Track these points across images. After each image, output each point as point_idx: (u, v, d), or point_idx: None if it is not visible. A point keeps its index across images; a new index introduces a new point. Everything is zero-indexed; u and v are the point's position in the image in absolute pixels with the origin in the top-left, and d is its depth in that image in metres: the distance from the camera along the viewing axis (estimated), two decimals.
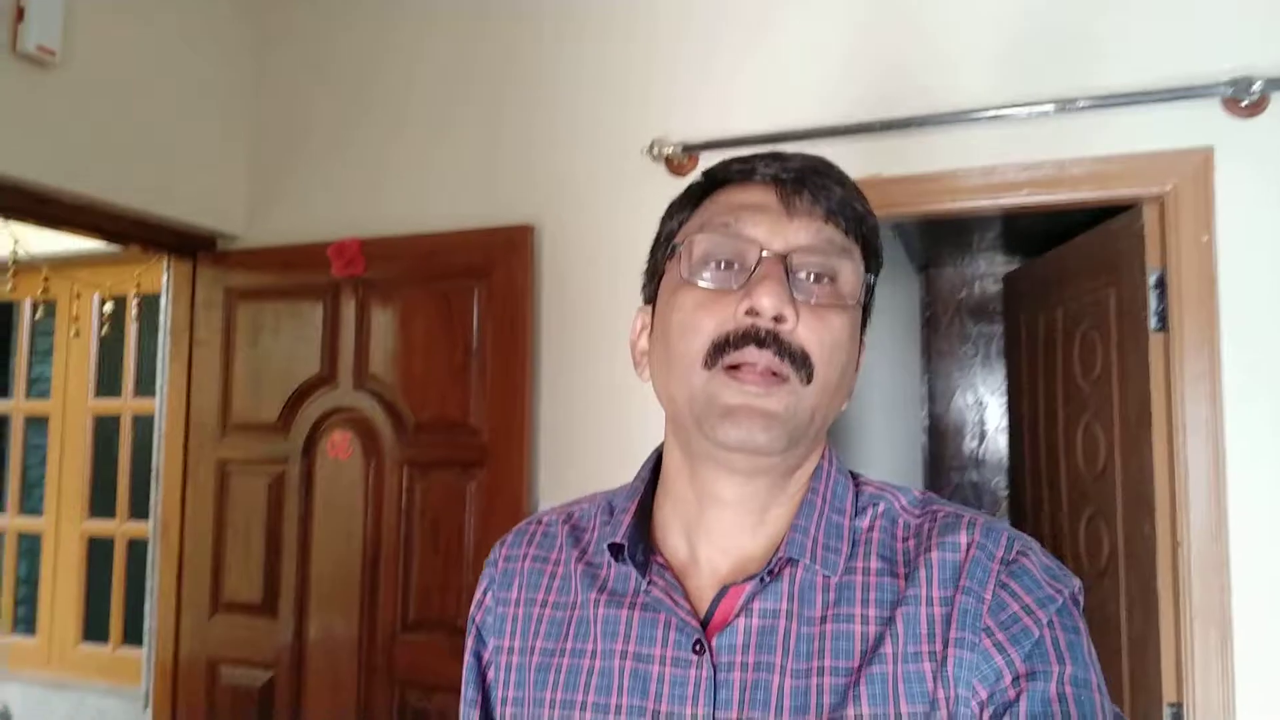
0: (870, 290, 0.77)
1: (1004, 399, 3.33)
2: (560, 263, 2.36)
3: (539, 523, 0.87)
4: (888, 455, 3.42)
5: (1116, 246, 2.12)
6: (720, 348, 0.69)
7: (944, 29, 2.07)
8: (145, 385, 3.20)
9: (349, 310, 2.46)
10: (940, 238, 3.13)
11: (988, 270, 3.48)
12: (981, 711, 0.64)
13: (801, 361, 0.68)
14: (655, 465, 0.84)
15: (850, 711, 0.65)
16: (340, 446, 2.43)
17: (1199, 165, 1.87)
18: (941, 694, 0.65)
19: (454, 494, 2.31)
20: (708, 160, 2.21)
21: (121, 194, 2.35)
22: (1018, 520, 2.86)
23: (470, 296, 2.32)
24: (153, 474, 2.72)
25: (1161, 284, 1.93)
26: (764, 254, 0.70)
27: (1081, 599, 0.69)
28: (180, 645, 2.58)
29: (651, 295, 0.81)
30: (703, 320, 0.70)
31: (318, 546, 2.45)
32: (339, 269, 2.46)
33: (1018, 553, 0.69)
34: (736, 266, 0.71)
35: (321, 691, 2.39)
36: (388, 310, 2.43)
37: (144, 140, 2.40)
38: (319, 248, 2.49)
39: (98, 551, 3.29)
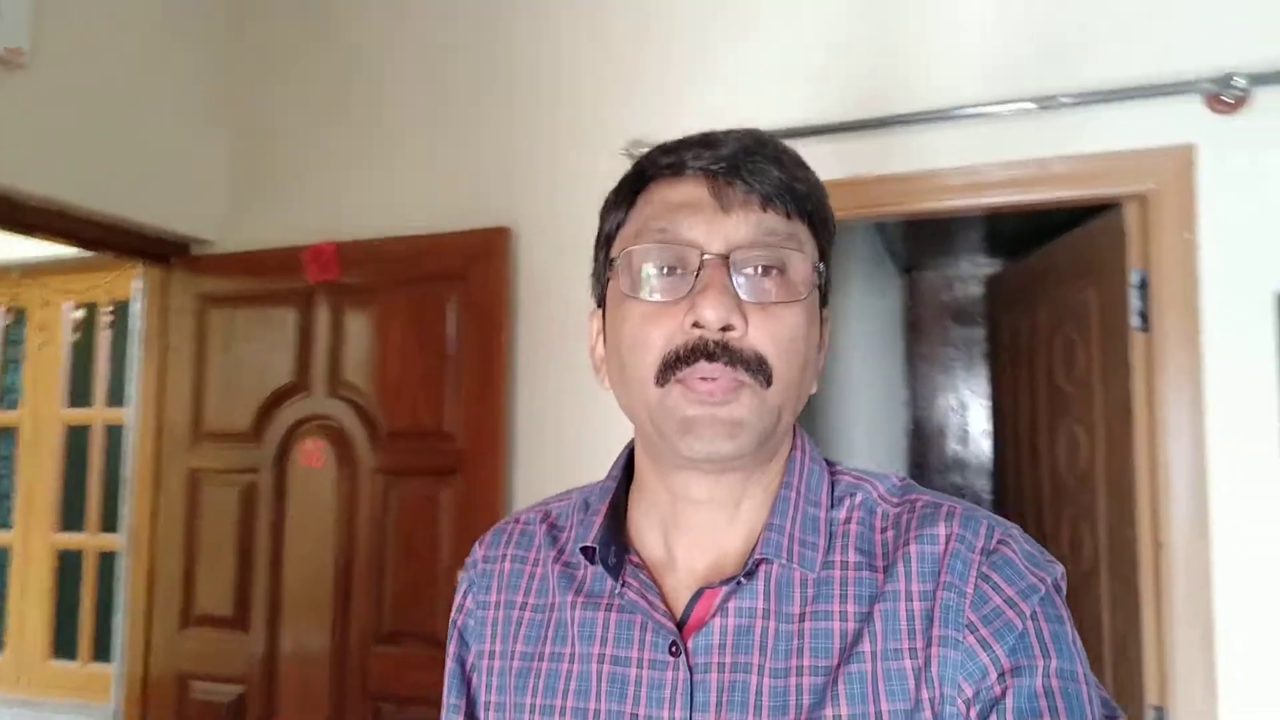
0: (823, 270, 0.73)
1: (987, 402, 3.32)
2: (538, 266, 2.32)
3: (516, 521, 0.85)
4: (870, 459, 3.40)
5: (1098, 246, 2.11)
6: (670, 364, 0.67)
7: (925, 28, 2.05)
8: (117, 394, 3.14)
9: (323, 316, 2.42)
10: (923, 240, 3.12)
11: (971, 272, 3.46)
12: (968, 709, 0.63)
13: (758, 366, 0.66)
14: (629, 461, 0.82)
15: (829, 711, 0.64)
16: (313, 455, 2.39)
17: (1181, 163, 1.85)
18: (925, 693, 0.63)
19: (429, 503, 2.26)
20: None
21: (94, 199, 2.30)
22: None
23: (446, 301, 2.29)
24: (123, 485, 2.67)
25: (1143, 283, 1.91)
26: (704, 258, 0.67)
27: (1064, 585, 0.67)
28: (150, 660, 2.53)
29: (601, 298, 0.79)
30: (650, 335, 0.68)
31: (290, 557, 2.40)
32: (314, 274, 2.42)
33: (998, 541, 0.67)
34: (679, 272, 0.68)
35: (293, 706, 2.34)
36: (362, 315, 2.38)
37: (117, 144, 2.36)
38: (294, 252, 2.45)
39: (68, 565, 3.22)
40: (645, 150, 2.16)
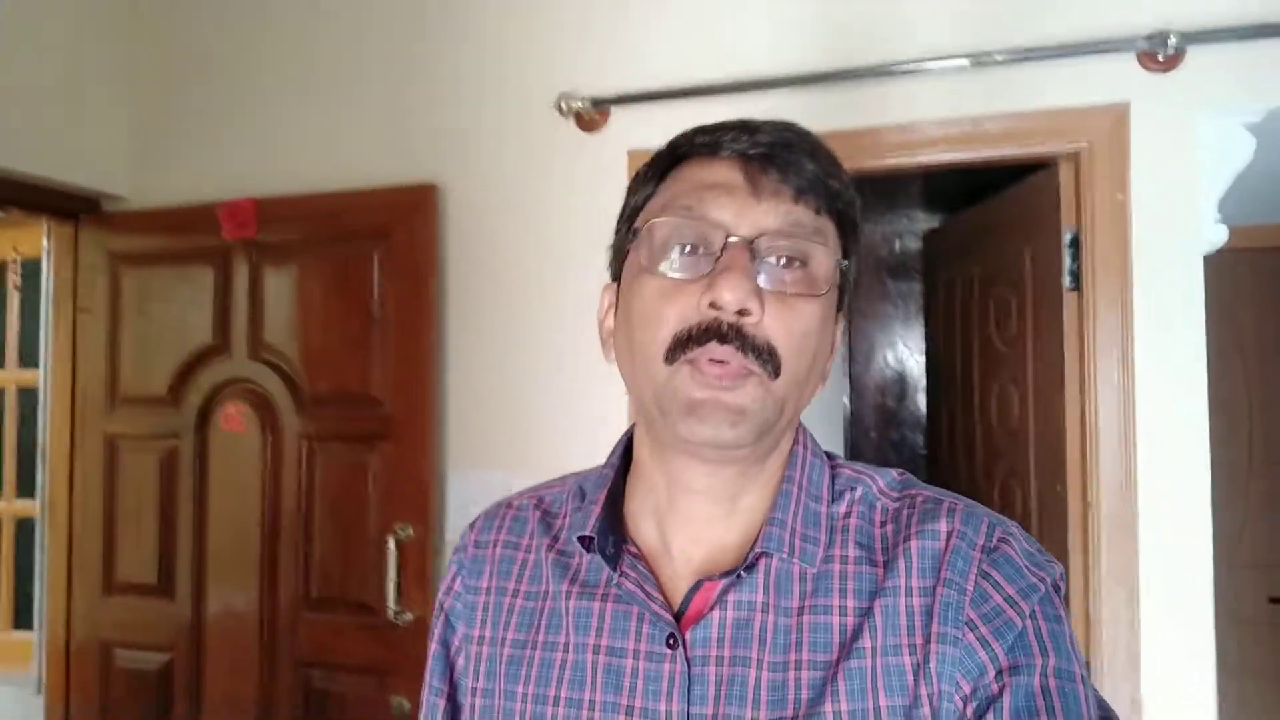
0: (847, 268, 0.72)
1: (923, 358, 3.33)
2: (468, 223, 2.25)
3: (509, 506, 0.83)
4: (809, 414, 3.40)
5: (1033, 204, 2.10)
6: (682, 342, 0.65)
7: None
8: (29, 356, 3.01)
9: (242, 275, 2.33)
10: (861, 195, 3.06)
11: (909, 228, 3.45)
12: (965, 706, 0.63)
13: (767, 355, 0.65)
14: (626, 449, 0.81)
15: (828, 706, 0.64)
16: (234, 420, 2.31)
17: (1114, 121, 1.84)
18: (924, 689, 0.63)
19: (356, 469, 2.20)
20: (620, 115, 2.12)
21: None
22: (935, 478, 2.85)
23: (370, 260, 2.20)
24: (39, 450, 2.57)
25: (1075, 242, 1.90)
26: (729, 240, 0.66)
27: (1063, 585, 0.68)
28: (73, 629, 2.46)
29: (617, 273, 0.77)
30: (664, 311, 0.67)
31: (214, 524, 2.33)
32: (230, 231, 2.32)
33: (999, 540, 0.67)
34: (701, 251, 0.67)
35: (221, 673, 2.29)
36: (283, 275, 2.29)
37: (11, 95, 2.22)
38: (210, 208, 2.34)
39: None
40: (577, 104, 2.08)
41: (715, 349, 0.64)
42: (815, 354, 0.69)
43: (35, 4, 2.28)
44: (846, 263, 0.71)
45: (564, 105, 2.12)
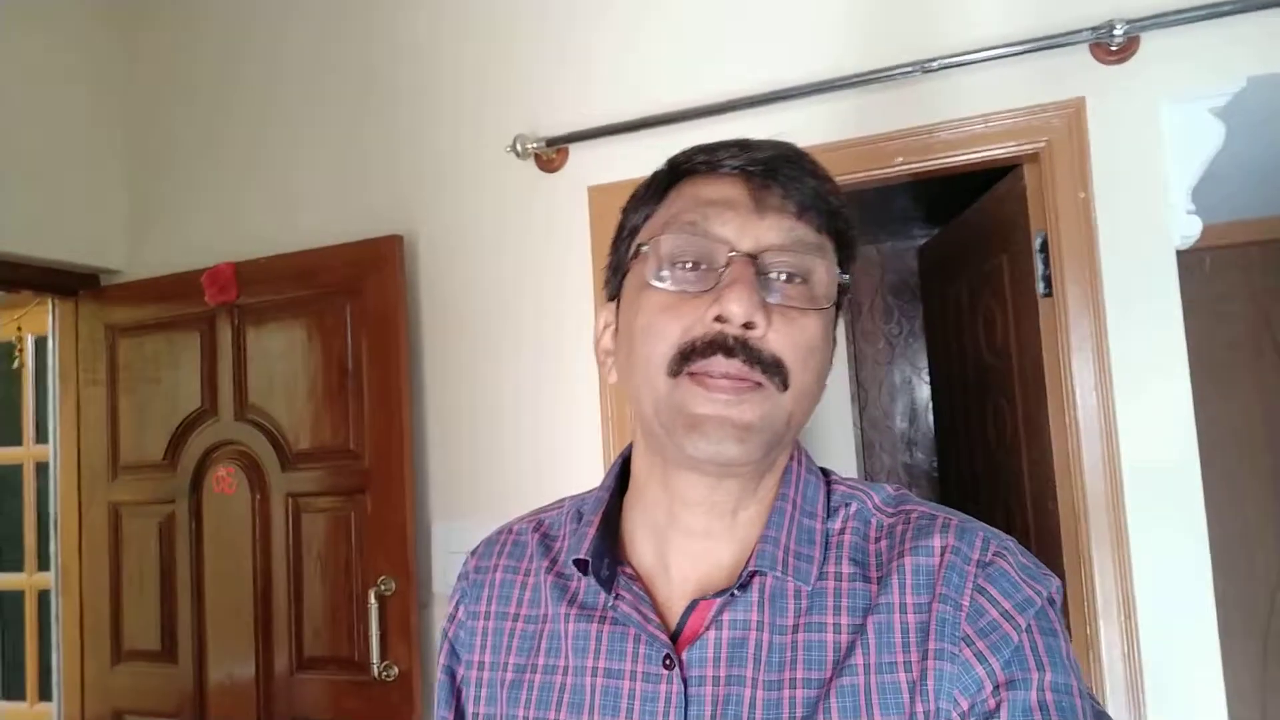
0: (847, 282, 0.72)
1: (929, 377, 3.23)
2: (437, 271, 2.26)
3: (510, 531, 0.84)
4: (820, 442, 3.32)
5: (1005, 209, 2.02)
6: (686, 355, 0.65)
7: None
8: (44, 432, 3.10)
9: (225, 338, 2.36)
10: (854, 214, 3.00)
11: (906, 245, 3.37)
12: None
13: (775, 368, 0.65)
14: (622, 469, 0.81)
15: None
16: (225, 481, 2.33)
17: (1071, 116, 1.77)
18: (920, 707, 0.63)
19: (339, 524, 2.20)
20: (578, 153, 2.11)
21: None
22: (946, 499, 2.75)
23: (343, 314, 2.22)
24: (51, 522, 2.63)
25: (1045, 246, 1.83)
26: (733, 254, 0.66)
27: (1059, 599, 0.67)
28: (85, 698, 2.49)
29: (615, 292, 0.78)
30: (668, 325, 0.67)
31: (211, 587, 2.34)
32: (213, 295, 2.36)
33: (994, 554, 0.67)
34: (704, 267, 0.67)
35: None
36: (263, 335, 2.32)
37: (14, 181, 2.33)
38: (194, 275, 2.39)
39: (9, 606, 3.19)
40: (533, 145, 2.07)
41: (721, 363, 0.64)
42: (820, 368, 0.69)
43: (33, 101, 2.39)
44: (847, 278, 0.72)
45: (520, 147, 2.12)
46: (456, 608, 0.82)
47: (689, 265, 0.68)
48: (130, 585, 2.46)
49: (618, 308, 0.76)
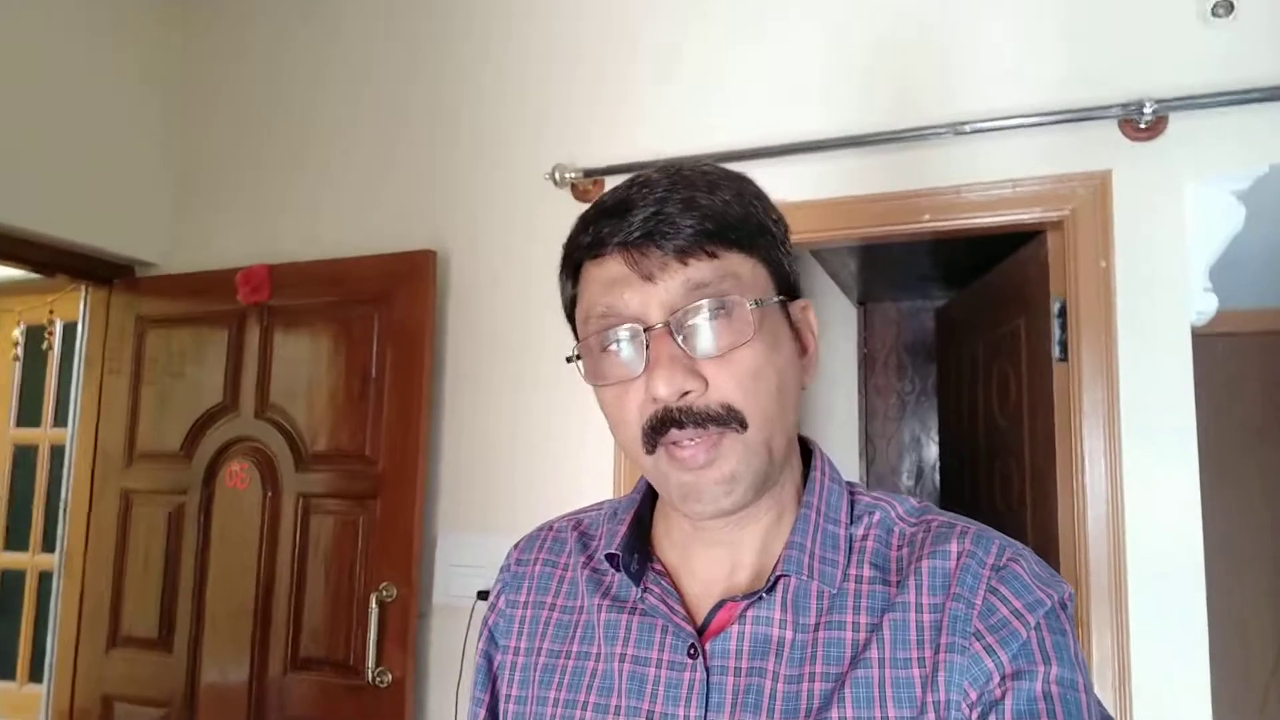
0: (789, 268, 0.74)
1: (938, 437, 3.25)
2: (467, 289, 2.31)
3: (550, 529, 0.89)
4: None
5: (1025, 274, 2.07)
6: (649, 434, 0.69)
7: (846, 51, 2.03)
8: (64, 415, 3.14)
9: (253, 337, 2.41)
10: (876, 271, 3.07)
11: (924, 305, 3.41)
12: (971, 713, 0.64)
13: (727, 415, 0.67)
14: None
15: (834, 713, 0.66)
16: (238, 477, 2.37)
17: (1097, 188, 1.82)
18: (931, 698, 0.65)
19: (347, 527, 2.23)
20: (613, 184, 2.16)
21: (43, 223, 2.34)
22: None
23: (370, 323, 2.27)
24: (61, 505, 2.66)
25: (1063, 312, 1.86)
26: (648, 331, 0.67)
27: (1071, 605, 0.69)
28: (77, 681, 2.50)
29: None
30: (625, 413, 0.70)
31: (214, 580, 2.37)
32: (245, 295, 2.41)
33: (1009, 559, 0.69)
34: (635, 340, 0.69)
35: None
36: (290, 338, 2.37)
37: (66, 170, 2.40)
38: (229, 274, 2.45)
39: (10, 585, 3.20)
40: (570, 175, 2.11)
41: (676, 434, 0.67)
42: (778, 384, 0.70)
43: (87, 91, 2.47)
44: (775, 265, 0.72)
45: (558, 176, 2.18)
46: (498, 597, 0.87)
47: (619, 348, 0.69)
48: (133, 572, 2.48)
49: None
